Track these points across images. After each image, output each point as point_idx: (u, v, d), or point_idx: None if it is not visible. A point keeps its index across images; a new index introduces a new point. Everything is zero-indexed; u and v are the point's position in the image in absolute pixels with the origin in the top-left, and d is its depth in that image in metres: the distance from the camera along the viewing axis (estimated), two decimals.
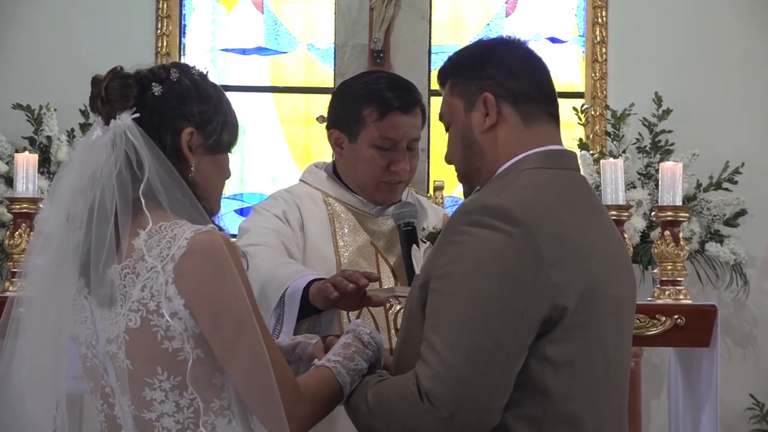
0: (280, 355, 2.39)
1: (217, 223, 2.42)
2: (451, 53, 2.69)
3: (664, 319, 5.12)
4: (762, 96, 6.64)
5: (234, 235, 3.02)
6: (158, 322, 2.30)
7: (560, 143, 2.57)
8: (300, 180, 3.57)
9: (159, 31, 6.67)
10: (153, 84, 2.41)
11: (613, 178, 5.39)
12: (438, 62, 2.51)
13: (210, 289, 2.30)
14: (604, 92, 6.64)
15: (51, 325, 2.38)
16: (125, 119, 2.38)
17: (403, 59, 6.46)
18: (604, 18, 6.66)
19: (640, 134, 6.49)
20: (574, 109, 6.56)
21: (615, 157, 6.00)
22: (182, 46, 6.82)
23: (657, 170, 5.98)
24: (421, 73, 6.20)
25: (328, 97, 6.57)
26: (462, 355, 2.28)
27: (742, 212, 6.42)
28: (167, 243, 2.30)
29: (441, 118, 2.65)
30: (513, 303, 2.30)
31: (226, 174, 2.54)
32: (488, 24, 6.84)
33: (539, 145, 2.52)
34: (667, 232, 5.34)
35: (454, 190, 6.56)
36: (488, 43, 2.67)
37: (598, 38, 6.67)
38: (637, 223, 6.15)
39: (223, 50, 6.85)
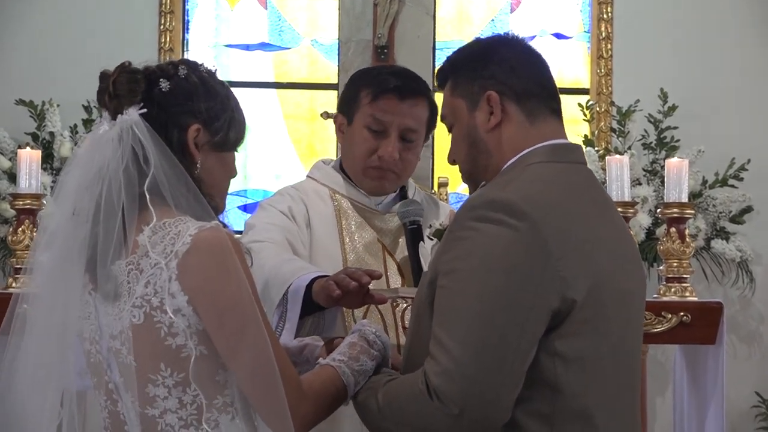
0: (283, 353, 2.39)
1: (221, 219, 2.41)
2: (455, 49, 2.68)
3: (669, 316, 5.13)
4: None
5: (238, 232, 3.01)
6: (161, 319, 2.30)
7: (565, 138, 2.57)
8: (307, 176, 3.57)
9: (162, 27, 6.66)
10: (161, 80, 2.41)
11: (618, 175, 5.38)
12: (442, 58, 2.50)
13: (214, 285, 2.29)
14: (610, 88, 6.63)
15: (57, 320, 2.38)
16: (132, 114, 2.38)
17: (407, 55, 6.45)
18: (610, 14, 6.64)
19: (645, 131, 6.48)
20: (580, 105, 6.54)
21: (620, 153, 5.98)
22: (185, 41, 6.81)
23: (662, 167, 5.97)
24: (425, 69, 6.18)
25: (332, 93, 6.71)
26: (470, 351, 2.28)
27: (747, 209, 6.41)
28: (171, 239, 2.30)
29: (443, 119, 2.65)
30: (521, 297, 2.30)
31: (232, 172, 2.53)
32: (493, 20, 6.83)
33: (544, 140, 2.52)
34: (672, 229, 5.34)
35: (459, 186, 6.55)
36: (487, 42, 2.66)
37: (604, 34, 6.65)
38: (642, 220, 6.13)
39: (226, 46, 6.84)
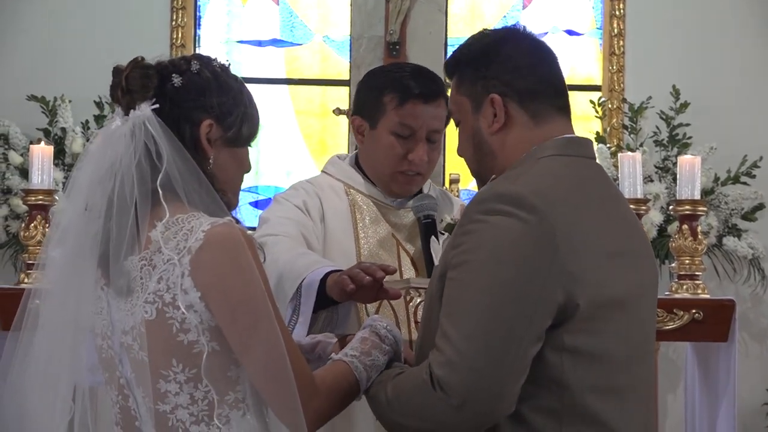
0: (296, 348, 2.38)
1: (234, 215, 2.41)
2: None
3: (681, 313, 5.13)
4: None
5: (250, 228, 3.02)
6: (174, 315, 2.29)
7: (573, 134, 2.55)
8: (322, 171, 3.57)
9: (174, 23, 6.67)
10: (173, 75, 2.41)
11: (631, 172, 5.38)
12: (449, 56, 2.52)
13: (226, 282, 2.29)
14: (622, 85, 6.62)
15: (69, 316, 2.38)
16: (145, 110, 2.38)
17: (419, 51, 6.44)
18: (622, 10, 6.63)
19: (657, 127, 6.47)
20: (591, 102, 6.53)
21: (632, 150, 5.97)
22: (197, 37, 6.81)
23: (674, 164, 5.97)
24: (437, 66, 6.08)
25: (344, 90, 6.71)
26: (475, 342, 2.27)
27: (760, 206, 6.40)
28: (184, 235, 2.30)
29: (451, 114, 2.65)
30: (528, 290, 2.29)
31: (246, 167, 2.53)
32: (505, 16, 6.82)
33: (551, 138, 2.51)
34: (685, 226, 5.34)
35: (470, 182, 6.54)
36: (492, 38, 2.61)
37: (616, 31, 6.64)
38: (654, 217, 6.12)
39: (238, 42, 6.85)
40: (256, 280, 2.31)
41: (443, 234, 3.29)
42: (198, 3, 6.80)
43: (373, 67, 3.59)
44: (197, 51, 6.68)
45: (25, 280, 5.30)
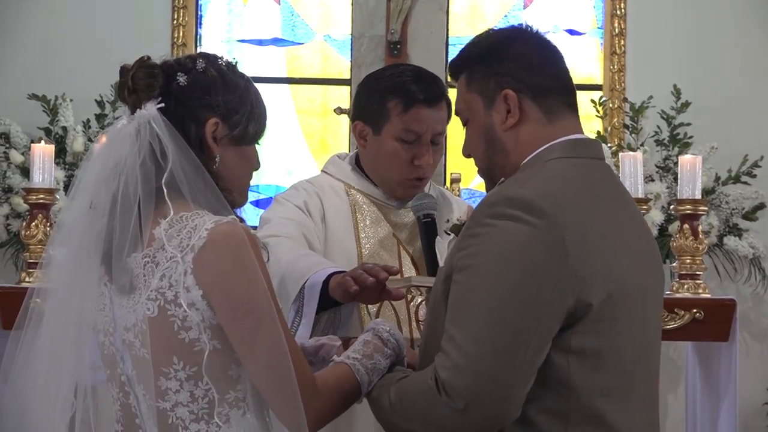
0: (297, 349, 2.38)
1: (238, 214, 2.42)
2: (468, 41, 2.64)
3: (682, 313, 5.14)
4: None
5: (252, 227, 3.02)
6: (175, 312, 2.30)
7: (582, 133, 2.55)
8: (322, 171, 3.57)
9: (175, 22, 6.65)
10: (178, 74, 2.41)
11: (632, 171, 5.38)
12: (455, 54, 2.50)
13: (229, 280, 2.29)
14: (623, 84, 6.60)
15: (72, 313, 2.38)
16: (150, 109, 2.38)
17: (420, 51, 6.43)
18: (623, 10, 6.62)
19: (658, 127, 6.45)
20: (592, 101, 6.52)
21: (633, 150, 5.97)
22: (198, 36, 6.80)
23: (675, 163, 5.97)
24: (438, 65, 6.15)
25: (345, 89, 6.70)
26: (482, 346, 2.27)
27: (760, 206, 6.38)
28: (188, 233, 2.30)
29: (458, 114, 2.62)
30: (537, 295, 2.28)
31: (254, 165, 2.53)
32: (506, 15, 6.81)
33: (563, 137, 2.50)
34: (686, 226, 5.34)
35: (471, 182, 6.55)
36: (502, 35, 2.61)
37: (617, 30, 6.63)
38: (655, 216, 6.11)
39: (239, 41, 6.83)
40: (259, 279, 2.31)
41: (448, 234, 3.29)
42: (199, 2, 6.79)
43: (372, 71, 3.57)
44: (198, 50, 6.67)
45: (26, 279, 5.30)
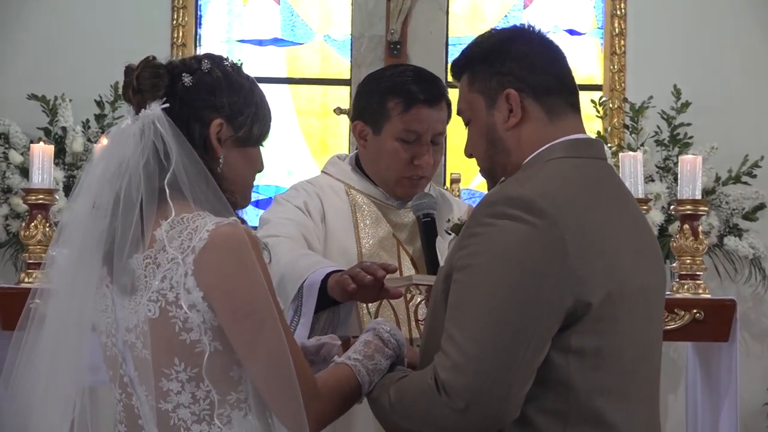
0: (298, 350, 2.38)
1: (239, 215, 2.41)
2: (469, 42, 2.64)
3: (682, 313, 5.13)
4: None
5: (254, 227, 3.02)
6: (176, 314, 2.29)
7: (584, 132, 2.55)
8: (322, 171, 3.57)
9: (175, 22, 6.65)
10: (183, 74, 2.41)
11: (632, 171, 5.38)
12: (455, 54, 2.50)
13: (230, 282, 2.29)
14: (623, 85, 6.60)
15: (74, 313, 2.38)
16: (155, 109, 2.38)
17: (420, 51, 6.43)
18: (623, 10, 6.62)
19: (658, 127, 6.45)
20: (593, 101, 6.52)
21: (633, 150, 5.96)
22: (198, 37, 6.79)
23: (675, 163, 5.96)
24: (438, 65, 6.14)
25: (344, 89, 6.70)
26: (481, 346, 2.26)
27: (761, 206, 6.38)
28: (188, 234, 2.30)
29: (460, 113, 2.61)
30: (536, 294, 2.28)
31: (258, 167, 2.53)
32: (506, 16, 6.80)
33: (565, 136, 2.49)
34: (686, 226, 5.33)
35: (471, 182, 6.54)
36: (504, 35, 2.60)
37: (617, 30, 6.63)
38: (655, 216, 6.11)
39: (239, 41, 6.83)
40: (260, 280, 2.30)
41: (449, 234, 3.29)
42: (199, 2, 6.79)
43: (372, 71, 3.58)
44: (198, 50, 6.67)
45: (26, 280, 5.29)
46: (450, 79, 2.68)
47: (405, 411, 2.39)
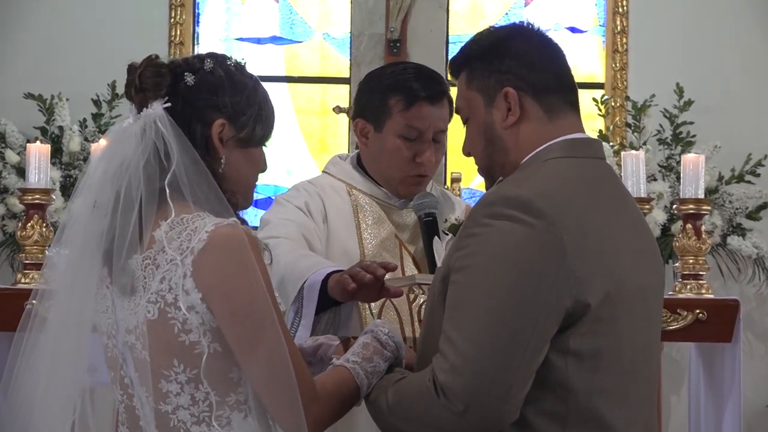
0: (297, 353, 2.37)
1: (240, 216, 2.40)
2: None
3: (685, 313, 5.11)
4: None
5: (253, 227, 3.00)
6: (175, 315, 2.29)
7: (583, 132, 2.54)
8: (323, 171, 3.57)
9: (172, 20, 6.63)
10: (186, 73, 2.40)
11: (634, 171, 5.36)
12: (455, 52, 2.50)
13: (228, 284, 2.28)
14: (625, 83, 6.60)
15: (74, 314, 2.38)
16: (157, 108, 2.37)
17: (420, 49, 6.43)
18: (625, 7, 6.61)
19: (661, 126, 6.44)
20: (594, 100, 6.52)
21: (635, 148, 5.95)
22: (196, 35, 6.78)
23: (678, 162, 5.95)
24: (438, 64, 6.11)
25: (344, 88, 6.68)
26: (480, 347, 2.25)
27: (764, 205, 6.38)
28: (188, 235, 2.29)
29: (458, 111, 2.61)
30: (534, 295, 2.27)
31: (261, 167, 2.52)
32: (506, 13, 6.81)
33: (563, 135, 2.48)
34: (688, 226, 5.32)
35: (471, 181, 6.53)
36: (503, 33, 2.59)
37: (619, 28, 6.62)
38: (657, 216, 6.09)
39: (237, 39, 6.83)
40: (259, 283, 2.29)
41: (447, 234, 3.29)
42: (197, 0, 6.77)
43: (374, 68, 3.59)
44: (196, 49, 6.67)
45: (22, 280, 5.26)
46: (450, 77, 2.66)
47: (403, 413, 2.38)
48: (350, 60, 6.64)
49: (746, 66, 6.58)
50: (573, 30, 6.77)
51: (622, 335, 2.38)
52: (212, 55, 2.45)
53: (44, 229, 5.29)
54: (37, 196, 5.31)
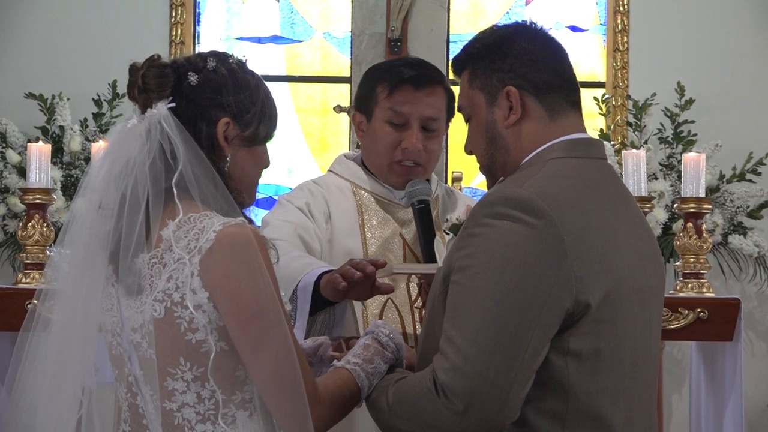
0: (302, 354, 2.37)
1: (247, 215, 2.40)
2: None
3: (686, 312, 5.10)
4: None
5: (259, 227, 3.00)
6: (182, 314, 2.29)
7: (585, 131, 2.54)
8: (329, 170, 3.57)
9: (173, 20, 6.63)
10: (189, 73, 2.40)
11: (635, 170, 5.35)
12: (456, 51, 2.49)
13: (235, 283, 2.28)
14: (626, 82, 6.59)
15: (80, 313, 2.37)
16: (161, 109, 2.37)
17: (421, 48, 6.42)
18: (626, 6, 6.60)
19: (662, 124, 6.43)
20: (595, 99, 6.51)
21: (636, 147, 5.94)
22: (197, 34, 6.78)
23: (679, 161, 5.94)
24: (439, 63, 6.04)
25: (344, 87, 6.68)
26: (480, 348, 2.25)
27: (765, 204, 6.37)
28: (195, 235, 2.29)
29: (460, 110, 2.60)
30: (535, 296, 2.27)
31: (265, 163, 2.53)
32: (507, 12, 6.80)
33: (565, 135, 2.48)
34: (689, 224, 5.31)
35: (473, 181, 6.52)
36: (505, 31, 2.59)
37: (620, 27, 6.61)
38: (659, 215, 6.09)
39: (238, 39, 6.82)
40: (267, 281, 2.29)
41: (448, 234, 3.27)
42: (197, 0, 6.77)
43: (364, 67, 3.55)
44: (197, 48, 6.67)
45: (23, 280, 5.25)
46: (452, 76, 2.66)
47: (403, 413, 2.38)
48: (351, 59, 6.63)
49: (747, 64, 6.57)
50: (574, 29, 6.76)
51: (622, 335, 2.38)
52: (214, 54, 2.46)
53: (45, 229, 5.28)
54: (38, 196, 5.31)
